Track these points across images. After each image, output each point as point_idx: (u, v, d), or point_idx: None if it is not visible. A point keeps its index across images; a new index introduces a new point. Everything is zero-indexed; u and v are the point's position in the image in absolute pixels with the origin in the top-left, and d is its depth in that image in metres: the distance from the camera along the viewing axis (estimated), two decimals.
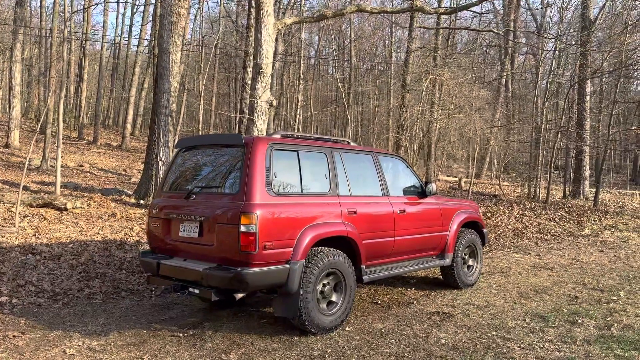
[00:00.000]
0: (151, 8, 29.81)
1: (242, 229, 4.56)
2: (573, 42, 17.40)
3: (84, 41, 28.27)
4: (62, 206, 10.87)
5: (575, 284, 7.54)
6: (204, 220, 4.94)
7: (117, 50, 35.22)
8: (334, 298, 5.28)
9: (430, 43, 18.08)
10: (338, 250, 5.26)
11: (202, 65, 16.60)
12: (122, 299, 6.40)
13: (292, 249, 4.83)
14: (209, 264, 4.87)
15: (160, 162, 12.14)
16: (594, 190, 20.95)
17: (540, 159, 19.38)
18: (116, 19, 34.04)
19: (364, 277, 5.54)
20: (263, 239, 4.59)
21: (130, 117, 27.99)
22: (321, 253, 5.08)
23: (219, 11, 30.88)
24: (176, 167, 5.67)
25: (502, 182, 21.85)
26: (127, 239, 8.94)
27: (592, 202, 18.16)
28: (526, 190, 21.49)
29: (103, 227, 9.65)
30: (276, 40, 12.29)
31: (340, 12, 10.98)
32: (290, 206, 4.94)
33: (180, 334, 5.12)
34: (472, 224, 7.34)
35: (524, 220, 13.87)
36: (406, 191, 6.47)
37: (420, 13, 14.02)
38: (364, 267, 5.56)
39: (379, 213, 5.84)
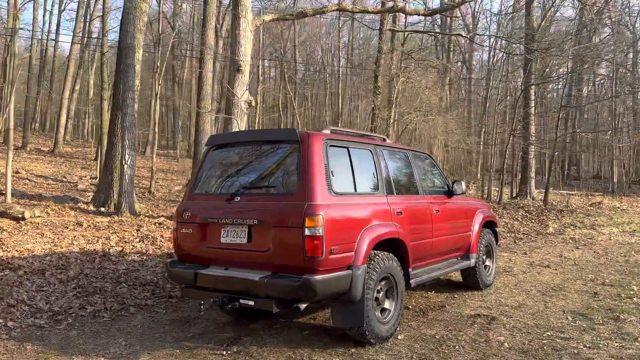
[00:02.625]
0: (91, 3, 28.10)
1: (307, 232, 4.13)
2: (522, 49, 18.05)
3: (11, 37, 26.05)
4: (20, 215, 9.80)
5: (583, 280, 7.63)
6: (256, 224, 4.43)
7: (44, 50, 32.84)
8: (386, 305, 4.94)
9: (388, 46, 18.14)
10: (391, 254, 4.93)
11: (158, 65, 15.69)
12: (132, 315, 5.71)
13: (353, 253, 4.44)
14: (262, 272, 4.37)
15: (125, 165, 11.22)
16: (539, 190, 21.95)
17: (491, 161, 20.00)
18: (43, 15, 31.51)
19: (411, 282, 5.24)
20: (330, 242, 4.18)
21: (62, 121, 26.14)
22: (377, 257, 4.73)
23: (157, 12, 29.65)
24: (208, 167, 5.10)
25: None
26: (108, 249, 8.13)
27: (540, 201, 18.93)
28: (473, 191, 22.13)
29: (75, 237, 8.74)
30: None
31: (320, 10, 10.68)
32: (350, 207, 4.56)
33: (224, 352, 4.58)
34: (486, 223, 7.24)
35: None
36: (436, 190, 6.26)
37: (390, 15, 14.01)
38: (411, 270, 5.26)
39: (420, 213, 5.58)
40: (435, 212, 5.83)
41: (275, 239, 4.32)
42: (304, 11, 10.62)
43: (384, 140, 5.83)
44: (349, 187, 4.73)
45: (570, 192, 26.29)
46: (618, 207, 19.36)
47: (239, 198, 4.65)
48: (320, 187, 4.32)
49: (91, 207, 11.91)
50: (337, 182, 4.54)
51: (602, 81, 38.35)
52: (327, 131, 4.85)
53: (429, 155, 6.60)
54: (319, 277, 4.13)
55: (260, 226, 4.42)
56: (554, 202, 19.35)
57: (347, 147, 4.88)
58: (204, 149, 5.32)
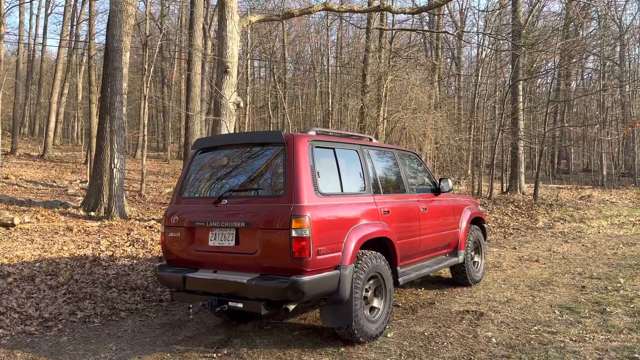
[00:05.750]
0: (77, 7, 27.96)
1: (294, 233, 4.16)
2: (513, 45, 18.18)
3: None
4: (9, 222, 9.79)
5: (572, 274, 7.71)
6: (243, 226, 4.46)
7: (31, 54, 32.62)
8: (375, 303, 4.98)
9: (375, 44, 18.20)
10: (378, 253, 4.97)
11: (145, 67, 15.65)
12: (122, 320, 5.71)
13: (340, 253, 4.48)
14: (250, 274, 4.40)
15: (115, 169, 11.21)
16: (529, 185, 22.09)
17: (481, 157, 20.10)
18: (29, 19, 31.25)
19: (399, 280, 5.28)
20: (317, 243, 4.21)
21: (52, 125, 26.00)
22: (365, 256, 4.77)
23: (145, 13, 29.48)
24: (195, 171, 5.12)
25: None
26: (98, 254, 8.12)
27: (530, 196, 19.05)
28: (464, 187, 22.24)
29: (64, 242, 8.73)
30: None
31: (307, 10, 10.69)
32: (336, 207, 4.59)
33: (214, 355, 4.60)
34: (474, 220, 7.31)
35: None
36: (424, 188, 6.31)
37: (377, 13, 14.04)
38: (399, 268, 5.31)
39: (407, 211, 5.62)
40: (422, 210, 5.88)
41: (262, 241, 4.35)
42: (290, 11, 10.62)
43: (371, 140, 5.88)
44: (335, 187, 4.76)
45: (560, 186, 26.47)
46: (607, 200, 19.53)
47: (226, 201, 4.67)
48: (307, 188, 4.35)
49: (81, 212, 11.89)
50: (324, 183, 4.57)
51: (590, 75, 38.61)
52: (312, 132, 4.88)
53: (416, 154, 6.65)
54: (306, 277, 4.16)
55: (247, 229, 4.44)
56: (543, 197, 19.48)
57: (333, 148, 4.91)
58: (190, 153, 5.33)
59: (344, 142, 5.15)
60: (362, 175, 5.15)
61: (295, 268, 4.18)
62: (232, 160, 4.98)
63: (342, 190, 4.82)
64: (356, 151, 5.23)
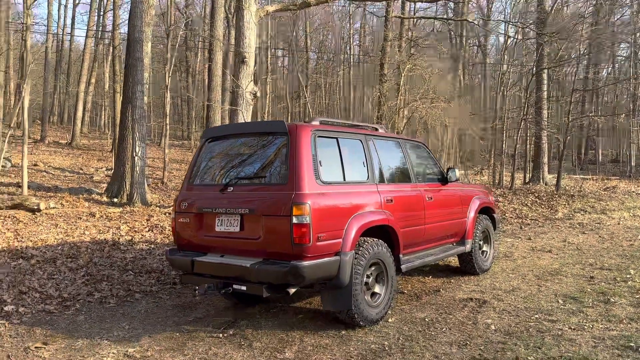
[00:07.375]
0: None
1: (294, 220, 4.32)
2: (535, 32, 17.88)
3: (24, 33, 26.55)
4: (35, 207, 10.18)
5: (582, 264, 7.70)
6: (247, 213, 4.64)
7: (60, 44, 33.37)
8: (376, 289, 5.12)
9: (395, 33, 18.15)
10: (380, 240, 5.10)
11: (168, 57, 15.93)
12: (137, 301, 5.97)
13: (341, 240, 4.62)
14: (254, 258, 4.59)
15: (136, 157, 11.54)
16: (553, 175, 21.81)
17: (504, 146, 19.91)
18: (58, 10, 32.08)
19: (402, 267, 5.40)
20: (317, 230, 4.37)
21: (79, 113, 26.64)
22: (366, 243, 4.90)
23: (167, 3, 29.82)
24: (203, 159, 5.31)
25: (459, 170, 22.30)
26: (118, 238, 8.43)
27: (553, 187, 18.85)
28: (486, 177, 22.10)
29: (87, 227, 9.07)
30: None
31: None
32: (337, 195, 4.73)
33: (220, 335, 4.81)
34: (484, 209, 7.35)
35: (499, 205, 14.16)
36: (430, 177, 6.39)
37: (398, 2, 14.03)
38: (402, 256, 5.42)
39: (412, 200, 5.72)
40: (428, 199, 5.96)
41: (265, 227, 4.52)
42: (307, 1, 10.70)
43: (376, 129, 5.98)
44: (337, 176, 4.89)
45: (585, 177, 26.06)
46: (633, 192, 19.18)
47: (232, 188, 4.85)
48: (308, 176, 4.49)
49: (104, 198, 12.27)
50: (325, 172, 4.70)
51: (623, 62, 37.60)
52: (316, 122, 5.01)
53: (423, 143, 6.71)
54: (306, 263, 4.31)
55: (251, 215, 4.62)
56: (567, 187, 19.25)
57: (337, 138, 5.04)
58: (200, 142, 5.53)
59: (347, 131, 5.27)
60: (365, 165, 5.27)
61: (295, 253, 4.34)
62: (239, 149, 5.15)
63: (344, 179, 4.95)
64: (360, 141, 5.34)
